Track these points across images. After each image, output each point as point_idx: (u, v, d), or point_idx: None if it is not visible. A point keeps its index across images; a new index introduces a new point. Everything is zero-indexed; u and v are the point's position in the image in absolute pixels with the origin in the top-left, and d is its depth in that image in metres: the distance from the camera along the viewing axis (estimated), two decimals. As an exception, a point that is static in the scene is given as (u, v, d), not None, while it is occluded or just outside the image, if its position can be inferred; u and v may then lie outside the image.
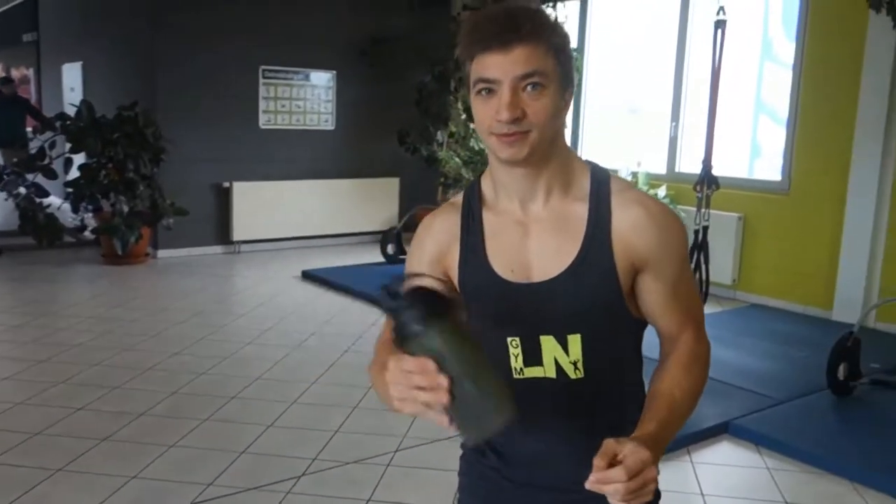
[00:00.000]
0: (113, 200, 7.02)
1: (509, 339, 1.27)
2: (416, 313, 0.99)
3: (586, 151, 7.98)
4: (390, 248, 7.29)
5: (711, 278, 5.02)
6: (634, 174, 6.84)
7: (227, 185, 7.73)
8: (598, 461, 1.03)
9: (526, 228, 1.28)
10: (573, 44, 7.76)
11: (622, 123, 7.91)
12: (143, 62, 7.53)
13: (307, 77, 8.17)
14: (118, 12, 8.18)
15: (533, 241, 1.27)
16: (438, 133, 8.15)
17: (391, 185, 8.68)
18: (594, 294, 1.25)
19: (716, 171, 4.93)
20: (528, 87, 1.16)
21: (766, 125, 6.81)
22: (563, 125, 1.27)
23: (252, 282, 6.72)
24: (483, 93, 1.18)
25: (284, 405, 4.00)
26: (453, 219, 1.33)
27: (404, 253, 7.28)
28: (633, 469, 1.01)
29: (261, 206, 7.88)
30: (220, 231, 7.82)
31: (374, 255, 7.61)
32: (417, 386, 0.98)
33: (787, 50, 6.40)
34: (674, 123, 7.05)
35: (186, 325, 5.36)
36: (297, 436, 3.65)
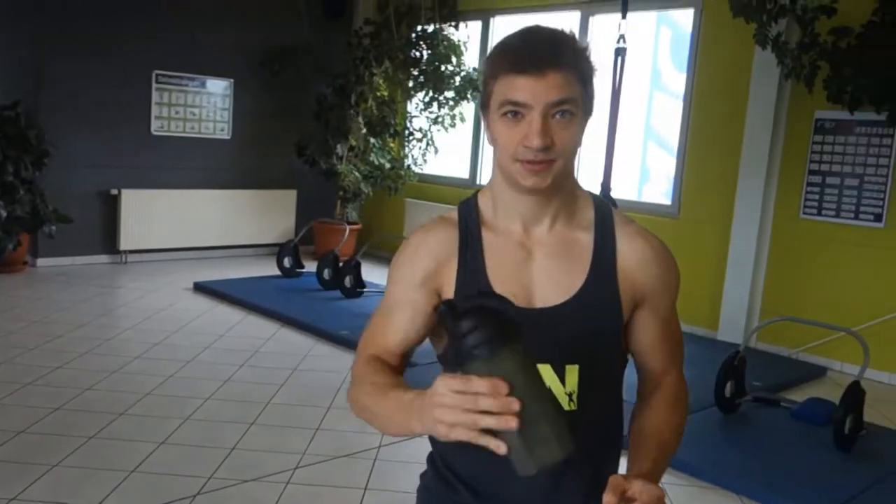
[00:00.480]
0: (-11, 204, 6.59)
1: None
2: (484, 334, 0.93)
3: (486, 173, 8.08)
4: (287, 261, 7.15)
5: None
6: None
7: (115, 191, 7.39)
8: (609, 497, 1.02)
9: (529, 252, 1.24)
10: (476, 64, 7.90)
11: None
12: (27, 60, 7.13)
13: (203, 84, 7.94)
14: (1, 9, 7.74)
15: (536, 265, 1.24)
16: (338, 146, 8.07)
17: (288, 198, 8.52)
18: (597, 324, 1.23)
19: (613, 195, 5.09)
20: (558, 115, 1.14)
21: (655, 151, 7.09)
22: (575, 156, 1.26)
23: (140, 293, 6.44)
24: (509, 115, 1.14)
25: (177, 422, 3.83)
26: (450, 234, 1.27)
27: (301, 266, 7.17)
28: None
29: (151, 214, 7.58)
30: (106, 239, 7.47)
31: (269, 268, 7.44)
32: (483, 410, 0.92)
33: (675, 80, 6.70)
34: (571, 146, 7.22)
35: (68, 337, 5.07)
36: (191, 453, 3.50)
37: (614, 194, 5.25)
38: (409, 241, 1.30)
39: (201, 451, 3.53)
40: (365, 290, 6.55)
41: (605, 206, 1.29)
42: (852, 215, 5.54)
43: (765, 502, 3.41)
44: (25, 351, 4.73)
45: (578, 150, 1.22)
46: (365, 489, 3.28)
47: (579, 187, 1.29)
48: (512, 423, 0.91)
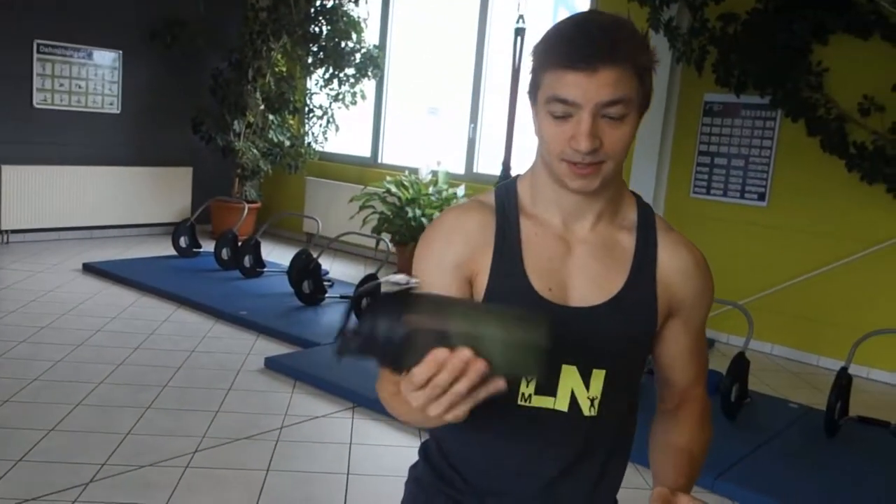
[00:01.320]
0: None
1: None
2: (386, 323, 0.86)
3: (387, 151, 8.05)
4: (183, 241, 6.93)
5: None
6: (434, 173, 7.00)
7: (-6, 168, 6.99)
8: None
9: (569, 247, 1.17)
10: (376, 41, 7.83)
11: (422, 123, 8.05)
12: None
13: (89, 55, 7.57)
14: None
15: (575, 262, 1.17)
16: (236, 123, 7.87)
17: (184, 175, 8.25)
18: (632, 330, 1.18)
19: (513, 173, 5.15)
20: (609, 115, 1.05)
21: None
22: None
23: (24, 275, 6.12)
24: (558, 112, 1.06)
25: (68, 408, 3.68)
26: (487, 220, 1.18)
27: (198, 246, 6.97)
28: None
29: (35, 191, 7.20)
30: (-14, 219, 7.07)
31: (165, 248, 7.20)
32: (444, 386, 0.86)
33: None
34: (472, 125, 7.29)
35: (-54, 322, 4.79)
36: (82, 440, 3.37)
37: (515, 173, 5.33)
38: (442, 221, 1.20)
39: (93, 437, 3.41)
40: (265, 269, 6.43)
41: (648, 208, 1.24)
42: (738, 194, 5.80)
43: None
44: None
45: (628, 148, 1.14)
46: (267, 470, 3.24)
47: (625, 186, 1.23)
48: (479, 367, 0.86)
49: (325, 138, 8.21)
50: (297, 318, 5.35)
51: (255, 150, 7.90)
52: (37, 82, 7.23)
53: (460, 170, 7.30)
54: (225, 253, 6.52)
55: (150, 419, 3.65)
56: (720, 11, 5.36)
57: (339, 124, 8.13)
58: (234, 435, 3.54)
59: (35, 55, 7.19)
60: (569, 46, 1.04)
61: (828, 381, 4.22)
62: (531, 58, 1.10)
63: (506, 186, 1.23)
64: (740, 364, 4.11)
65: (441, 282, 1.14)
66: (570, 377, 1.15)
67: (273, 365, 4.40)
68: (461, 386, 0.86)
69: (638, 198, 1.25)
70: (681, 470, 1.19)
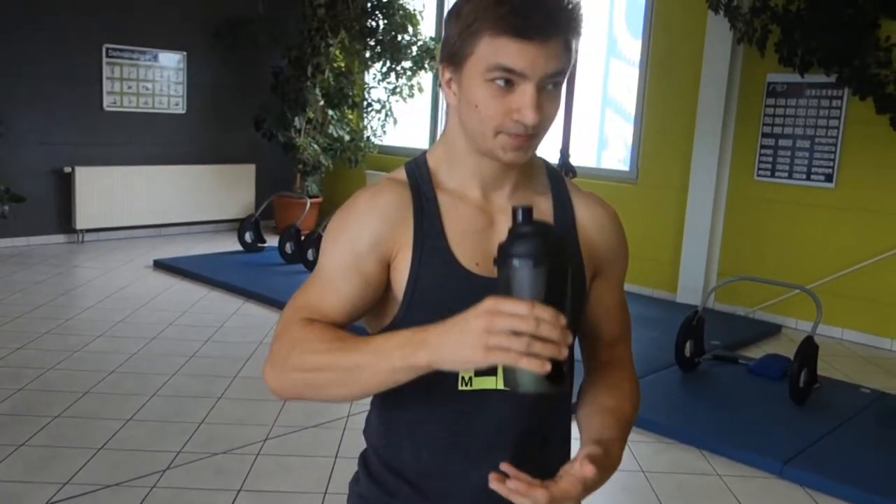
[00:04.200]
0: (-62, 185, 6.44)
1: None
2: (539, 243, 0.89)
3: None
4: (248, 236, 7.10)
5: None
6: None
7: (68, 169, 7.25)
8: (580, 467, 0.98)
9: (490, 218, 1.13)
10: (432, 34, 7.86)
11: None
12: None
13: (155, 58, 7.79)
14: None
15: (498, 233, 1.09)
16: (296, 119, 8.01)
17: (247, 172, 8.44)
18: None
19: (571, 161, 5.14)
20: (550, 87, 1.03)
21: (612, 118, 7.15)
22: None
23: (99, 272, 6.36)
24: (499, 83, 1.01)
25: (143, 398, 3.82)
26: (403, 196, 1.12)
27: (263, 241, 7.13)
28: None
29: (107, 192, 7.46)
30: (62, 219, 7.34)
31: (231, 244, 7.39)
32: (540, 336, 0.84)
33: (631, 47, 6.75)
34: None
35: (27, 318, 5.00)
36: (159, 429, 3.50)
37: (573, 161, 5.31)
38: (355, 201, 1.14)
39: (169, 426, 3.53)
40: (328, 262, 6.53)
41: (555, 170, 1.22)
42: (804, 176, 5.67)
43: (725, 455, 3.52)
44: (-16, 333, 4.67)
45: None
46: (335, 457, 3.32)
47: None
48: (564, 352, 0.85)
49: (384, 132, 8.29)
50: (360, 309, 5.43)
51: (315, 146, 8.03)
52: (106, 86, 7.47)
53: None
54: (289, 247, 6.66)
55: (222, 409, 3.76)
56: (782, -11, 5.24)
57: (398, 117, 8.20)
58: (302, 423, 3.63)
59: (104, 59, 7.43)
60: (519, 15, 0.98)
61: (901, 366, 4.10)
62: (456, 19, 1.03)
63: (416, 162, 1.17)
64: (808, 349, 4.04)
65: (359, 261, 1.09)
66: None
67: (338, 355, 4.48)
68: (539, 347, 0.84)
69: (545, 161, 1.22)
70: (617, 433, 1.13)
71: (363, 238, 1.10)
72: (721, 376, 4.49)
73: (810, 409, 3.99)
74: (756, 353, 4.93)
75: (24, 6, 6.85)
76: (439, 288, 1.09)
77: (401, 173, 1.16)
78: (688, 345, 4.41)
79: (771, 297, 5.76)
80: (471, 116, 1.06)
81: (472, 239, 1.11)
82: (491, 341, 0.85)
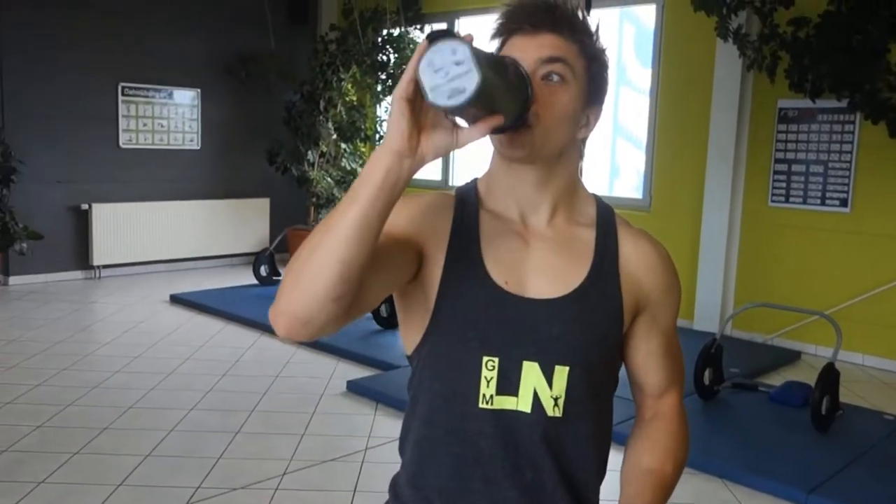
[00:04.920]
0: (-43, 224, 6.51)
1: (486, 359, 1.09)
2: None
3: (458, 174, 8.12)
4: (263, 270, 7.13)
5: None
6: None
7: (85, 206, 7.33)
8: None
9: (526, 242, 1.13)
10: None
11: (490, 145, 8.09)
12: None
13: (170, 95, 7.90)
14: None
15: (533, 257, 1.12)
16: (309, 153, 8.07)
17: (261, 206, 8.50)
18: (596, 324, 1.12)
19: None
20: (548, 77, 1.06)
21: (623, 146, 7.18)
22: (577, 145, 1.16)
23: (116, 308, 6.39)
24: None
25: (161, 434, 3.82)
26: (448, 204, 1.16)
27: (278, 274, 7.15)
28: None
29: (123, 228, 7.52)
30: (79, 255, 7.40)
31: (246, 278, 7.42)
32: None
33: (640, 75, 6.79)
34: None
35: (46, 354, 5.02)
36: (177, 465, 3.49)
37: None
38: (417, 195, 1.17)
39: (187, 461, 3.53)
40: (342, 295, 6.54)
41: (607, 206, 1.21)
42: (819, 201, 5.65)
43: (747, 484, 3.48)
44: (3, 370, 4.68)
45: (576, 134, 1.13)
46: (354, 491, 3.30)
47: (582, 186, 1.20)
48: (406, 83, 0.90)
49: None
50: (375, 341, 5.43)
51: (328, 179, 8.08)
52: (122, 123, 7.57)
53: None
54: (304, 280, 6.66)
55: (240, 443, 3.76)
56: (790, 16, 5.27)
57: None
58: (321, 457, 3.62)
59: (120, 97, 7.54)
60: (512, 15, 1.10)
61: (924, 391, 4.06)
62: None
63: (465, 185, 1.21)
64: (830, 375, 4.00)
65: (400, 230, 1.09)
66: (531, 374, 1.09)
67: (355, 388, 4.48)
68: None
69: (597, 196, 1.22)
70: (645, 492, 1.17)
71: (401, 214, 1.09)
72: (741, 404, 4.45)
73: (833, 437, 3.94)
74: (776, 380, 4.89)
75: (40, 46, 6.97)
76: (465, 298, 1.10)
77: (450, 191, 1.20)
78: (707, 373, 4.38)
79: (789, 324, 5.72)
80: None
81: (506, 258, 1.12)
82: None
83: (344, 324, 1.01)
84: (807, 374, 4.81)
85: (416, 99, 0.91)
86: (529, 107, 1.01)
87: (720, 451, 3.79)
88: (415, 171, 0.95)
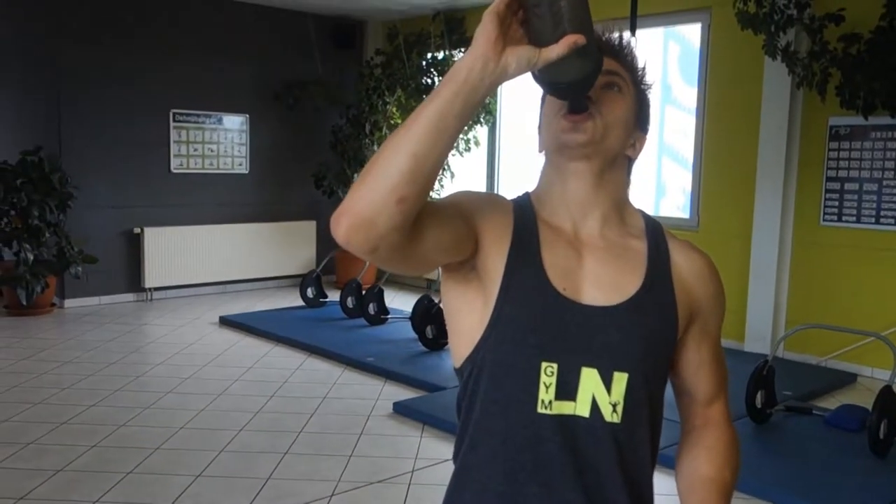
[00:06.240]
0: (16, 249, 6.71)
1: (544, 365, 1.11)
2: None
3: (503, 186, 8.14)
4: (310, 292, 7.20)
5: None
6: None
7: (137, 230, 7.51)
8: None
9: (579, 252, 1.16)
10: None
11: (536, 167, 8.08)
12: (47, 105, 7.29)
13: (220, 121, 8.07)
14: (20, 52, 7.92)
15: (587, 266, 1.15)
16: (355, 176, 8.16)
17: (308, 229, 8.60)
18: (653, 331, 1.15)
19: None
20: (606, 87, 1.14)
21: (669, 166, 7.12)
22: (626, 162, 1.21)
23: (167, 329, 6.51)
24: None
25: (212, 454, 3.87)
26: (509, 210, 1.19)
27: (324, 296, 7.22)
28: None
29: (174, 251, 7.68)
30: (131, 278, 7.57)
31: (293, 299, 7.50)
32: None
33: (685, 95, 6.74)
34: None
35: (100, 375, 5.14)
36: (227, 485, 3.53)
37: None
38: (490, 194, 1.23)
39: (237, 481, 3.57)
40: (388, 316, 6.59)
41: (652, 219, 1.25)
42: (873, 220, 5.53)
43: (802, 511, 3.39)
44: (59, 390, 4.80)
45: (626, 150, 1.19)
46: (402, 513, 3.30)
47: (630, 202, 1.25)
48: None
49: (441, 185, 8.38)
50: (422, 362, 5.44)
51: (374, 201, 8.14)
52: (173, 149, 7.75)
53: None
54: (350, 301, 6.73)
55: (289, 464, 3.78)
56: (841, 33, 5.19)
57: (454, 171, 8.29)
58: (368, 479, 3.62)
59: (171, 123, 7.72)
60: None
61: None
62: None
63: (518, 196, 1.24)
64: (888, 398, 3.89)
65: (470, 213, 1.13)
66: (590, 380, 1.11)
67: (401, 409, 4.49)
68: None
69: (643, 211, 1.26)
70: (710, 499, 1.20)
71: (469, 197, 1.17)
72: (795, 428, 4.35)
73: (892, 462, 3.83)
74: (830, 403, 4.77)
75: (96, 77, 7.19)
76: (527, 302, 1.12)
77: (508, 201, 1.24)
78: (759, 395, 4.30)
79: (843, 346, 5.58)
80: (545, 126, 1.18)
81: (562, 266, 1.14)
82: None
83: (401, 248, 0.99)
84: (863, 398, 4.68)
85: (506, 16, 0.95)
86: (600, 68, 1.05)
87: (773, 476, 3.70)
88: (497, 80, 0.96)
